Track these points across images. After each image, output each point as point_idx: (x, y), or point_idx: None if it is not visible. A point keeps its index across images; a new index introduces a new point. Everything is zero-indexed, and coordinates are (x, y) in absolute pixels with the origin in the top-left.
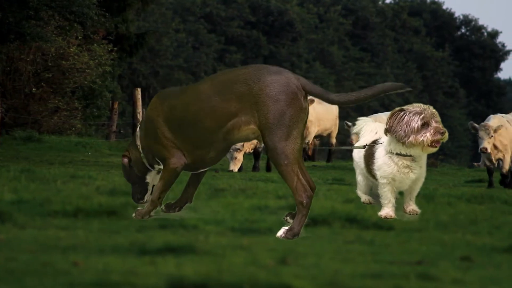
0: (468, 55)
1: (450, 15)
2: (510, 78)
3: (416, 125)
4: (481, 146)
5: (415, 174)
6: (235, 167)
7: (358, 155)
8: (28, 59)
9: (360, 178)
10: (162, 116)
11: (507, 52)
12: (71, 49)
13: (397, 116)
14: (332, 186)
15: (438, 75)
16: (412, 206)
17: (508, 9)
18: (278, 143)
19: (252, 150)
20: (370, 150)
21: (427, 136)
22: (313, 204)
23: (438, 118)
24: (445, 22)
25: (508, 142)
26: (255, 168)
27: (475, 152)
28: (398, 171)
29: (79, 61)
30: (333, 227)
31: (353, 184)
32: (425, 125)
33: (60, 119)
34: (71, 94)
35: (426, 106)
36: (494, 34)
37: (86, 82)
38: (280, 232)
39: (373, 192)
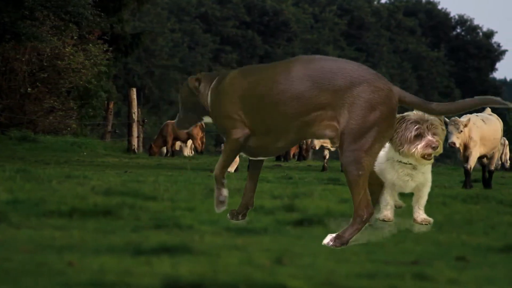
0: (464, 55)
1: (445, 15)
2: (505, 78)
3: (410, 135)
4: (449, 141)
5: (415, 182)
6: (231, 168)
7: None
8: (23, 59)
9: None
10: (240, 92)
11: (503, 52)
12: (67, 49)
13: (398, 122)
14: (328, 186)
15: (434, 75)
16: (423, 216)
17: (503, 9)
18: (358, 152)
19: None
20: None
21: (417, 148)
22: (308, 204)
23: (438, 130)
24: (440, 22)
25: (478, 139)
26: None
27: None
28: (398, 178)
29: (75, 61)
30: (329, 227)
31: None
32: (419, 136)
33: (55, 119)
34: (67, 94)
35: (427, 116)
36: (490, 34)
37: (81, 82)
38: (327, 239)
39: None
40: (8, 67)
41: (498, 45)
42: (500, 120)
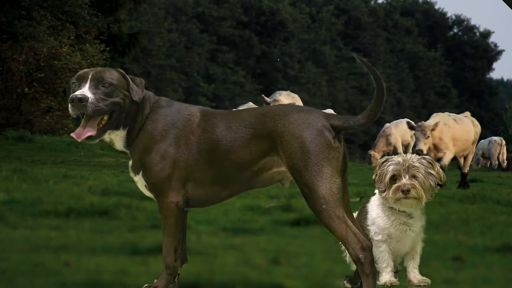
0: (460, 55)
1: (442, 15)
2: (502, 78)
3: (387, 178)
4: (417, 148)
5: (414, 232)
6: None
7: None
8: (20, 59)
9: None
10: (198, 132)
11: (499, 52)
12: (63, 49)
13: (381, 165)
14: None
15: (430, 75)
16: (419, 276)
17: (500, 9)
18: (310, 185)
19: None
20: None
21: (389, 193)
22: (305, 204)
23: (420, 171)
24: (437, 22)
25: (449, 140)
26: None
27: None
28: (395, 227)
29: (71, 61)
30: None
31: None
32: (394, 178)
33: (52, 119)
34: (64, 94)
35: (409, 157)
36: (486, 34)
37: None
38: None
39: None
40: (5, 67)
41: (495, 45)
42: (476, 123)
